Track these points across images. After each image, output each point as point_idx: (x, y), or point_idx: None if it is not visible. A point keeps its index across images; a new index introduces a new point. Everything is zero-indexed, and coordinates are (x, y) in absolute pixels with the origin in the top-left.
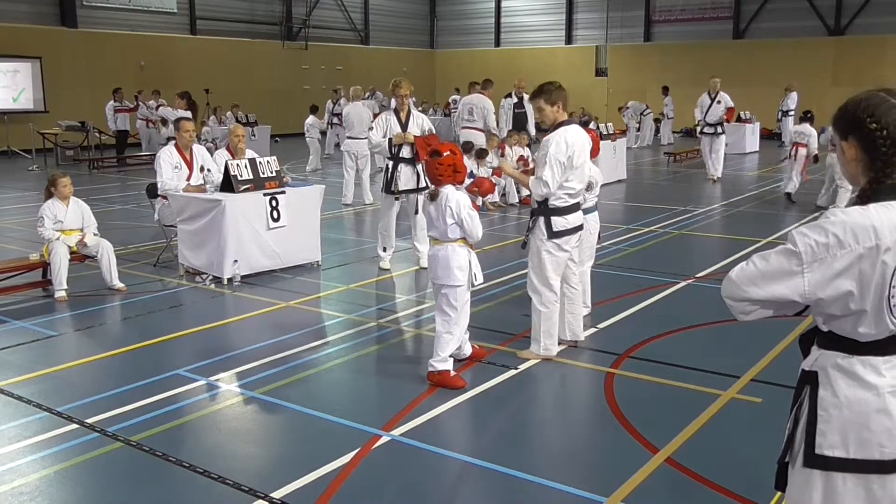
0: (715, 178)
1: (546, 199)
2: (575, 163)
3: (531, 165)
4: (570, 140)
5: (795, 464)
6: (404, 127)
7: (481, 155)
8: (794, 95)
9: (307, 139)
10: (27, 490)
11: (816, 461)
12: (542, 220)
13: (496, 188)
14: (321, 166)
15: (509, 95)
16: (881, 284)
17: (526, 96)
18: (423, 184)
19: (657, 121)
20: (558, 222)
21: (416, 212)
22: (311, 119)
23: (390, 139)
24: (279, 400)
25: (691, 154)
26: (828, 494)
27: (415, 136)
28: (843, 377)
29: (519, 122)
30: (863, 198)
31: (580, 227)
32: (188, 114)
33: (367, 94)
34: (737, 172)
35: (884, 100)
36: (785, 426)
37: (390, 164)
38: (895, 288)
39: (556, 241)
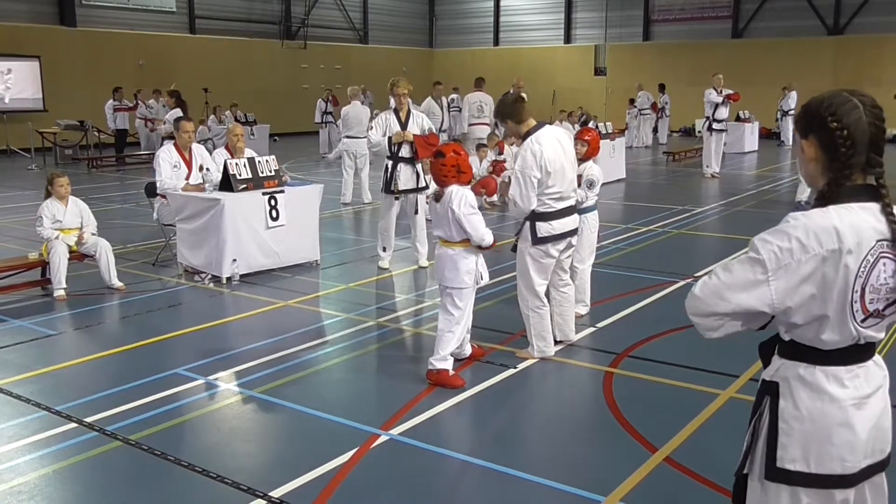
0: (716, 174)
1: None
2: (550, 168)
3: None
4: (536, 150)
5: (755, 476)
6: (404, 126)
7: (479, 148)
8: (793, 95)
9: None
10: (26, 489)
11: (778, 475)
12: (527, 224)
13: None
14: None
15: (507, 94)
16: (844, 290)
17: (524, 96)
18: (422, 183)
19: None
20: (543, 228)
21: (416, 212)
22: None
23: (390, 137)
24: (278, 399)
25: (690, 153)
26: None
27: (414, 135)
28: (805, 389)
29: None
30: (822, 200)
31: (570, 233)
32: (178, 111)
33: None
34: (736, 172)
35: (847, 100)
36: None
37: (390, 163)
38: (857, 293)
39: (540, 247)
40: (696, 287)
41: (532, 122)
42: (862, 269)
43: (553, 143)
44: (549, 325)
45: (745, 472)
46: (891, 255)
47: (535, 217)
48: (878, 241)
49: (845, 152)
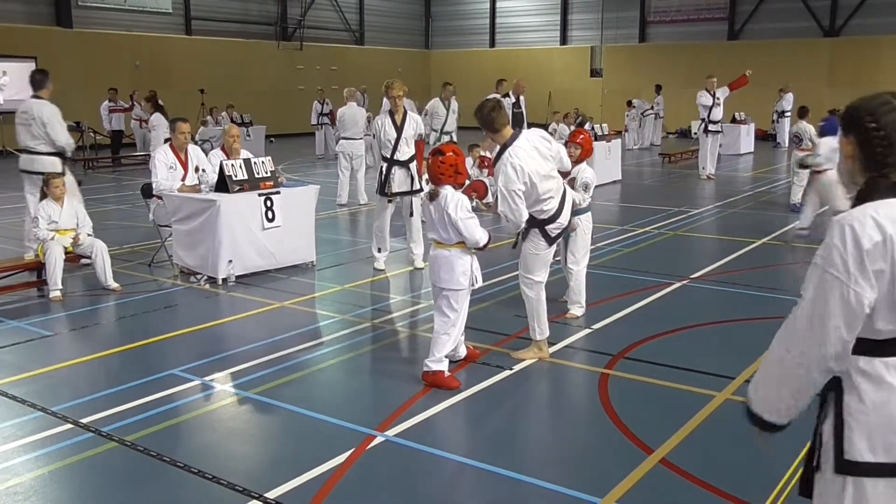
0: (711, 175)
1: (532, 217)
2: (535, 179)
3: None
4: (517, 165)
5: (824, 470)
6: (399, 129)
7: (472, 148)
8: (789, 97)
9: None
10: (21, 490)
11: (846, 467)
12: (536, 230)
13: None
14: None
15: (507, 95)
16: (891, 279)
17: (523, 97)
18: (416, 186)
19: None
20: (552, 228)
21: (411, 214)
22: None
23: (384, 156)
24: (274, 400)
25: (685, 155)
26: (858, 499)
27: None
28: (867, 381)
29: (517, 122)
30: (860, 198)
31: (569, 222)
32: (158, 116)
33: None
34: (732, 173)
35: (887, 101)
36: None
37: (384, 166)
38: None
39: (551, 244)
40: (779, 352)
41: (509, 132)
42: None
43: (531, 152)
44: (545, 307)
45: (814, 465)
46: None
47: (542, 223)
48: None
49: (881, 151)
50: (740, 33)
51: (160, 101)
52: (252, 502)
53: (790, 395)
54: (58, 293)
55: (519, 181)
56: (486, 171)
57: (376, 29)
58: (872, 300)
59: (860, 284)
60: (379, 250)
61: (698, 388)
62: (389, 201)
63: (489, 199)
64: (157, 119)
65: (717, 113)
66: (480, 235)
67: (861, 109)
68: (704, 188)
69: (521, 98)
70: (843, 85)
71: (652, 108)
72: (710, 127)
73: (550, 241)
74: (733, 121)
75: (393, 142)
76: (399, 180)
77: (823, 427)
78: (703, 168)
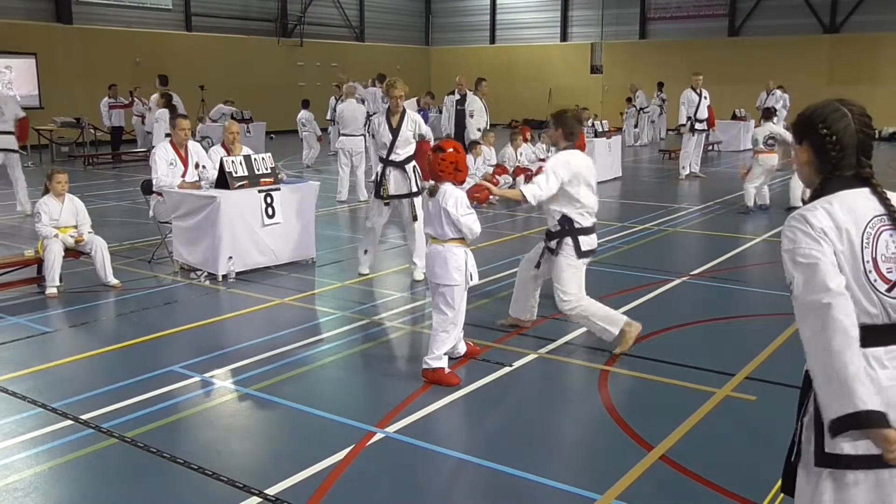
0: (700, 174)
1: (571, 221)
2: (581, 179)
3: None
4: (570, 159)
5: (804, 464)
6: (396, 132)
7: (473, 147)
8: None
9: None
10: (21, 486)
11: (826, 460)
12: (569, 240)
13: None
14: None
15: (452, 93)
16: (854, 262)
17: (469, 93)
18: (414, 189)
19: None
20: (585, 242)
21: (414, 218)
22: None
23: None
24: (274, 396)
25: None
26: (839, 492)
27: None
28: None
29: (459, 120)
30: (816, 195)
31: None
32: (166, 112)
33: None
34: (731, 170)
35: (836, 108)
36: (779, 424)
37: (380, 168)
38: (869, 263)
39: (583, 259)
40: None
41: (565, 143)
42: (866, 241)
43: (580, 163)
44: (602, 305)
45: (793, 460)
46: (891, 228)
47: (577, 232)
48: (875, 216)
49: (835, 156)
50: (741, 30)
51: (174, 102)
52: (252, 499)
53: (850, 362)
54: (53, 290)
55: (563, 171)
56: (503, 177)
57: (377, 25)
58: (833, 260)
59: (822, 248)
60: (365, 252)
61: (698, 385)
62: (386, 204)
63: (493, 199)
64: (164, 114)
65: (703, 112)
66: (478, 229)
67: (814, 118)
68: (704, 185)
69: (470, 96)
70: (842, 82)
71: (657, 104)
72: (697, 126)
73: (581, 254)
74: (733, 117)
75: (389, 142)
76: (395, 183)
77: (803, 421)
78: (684, 167)
